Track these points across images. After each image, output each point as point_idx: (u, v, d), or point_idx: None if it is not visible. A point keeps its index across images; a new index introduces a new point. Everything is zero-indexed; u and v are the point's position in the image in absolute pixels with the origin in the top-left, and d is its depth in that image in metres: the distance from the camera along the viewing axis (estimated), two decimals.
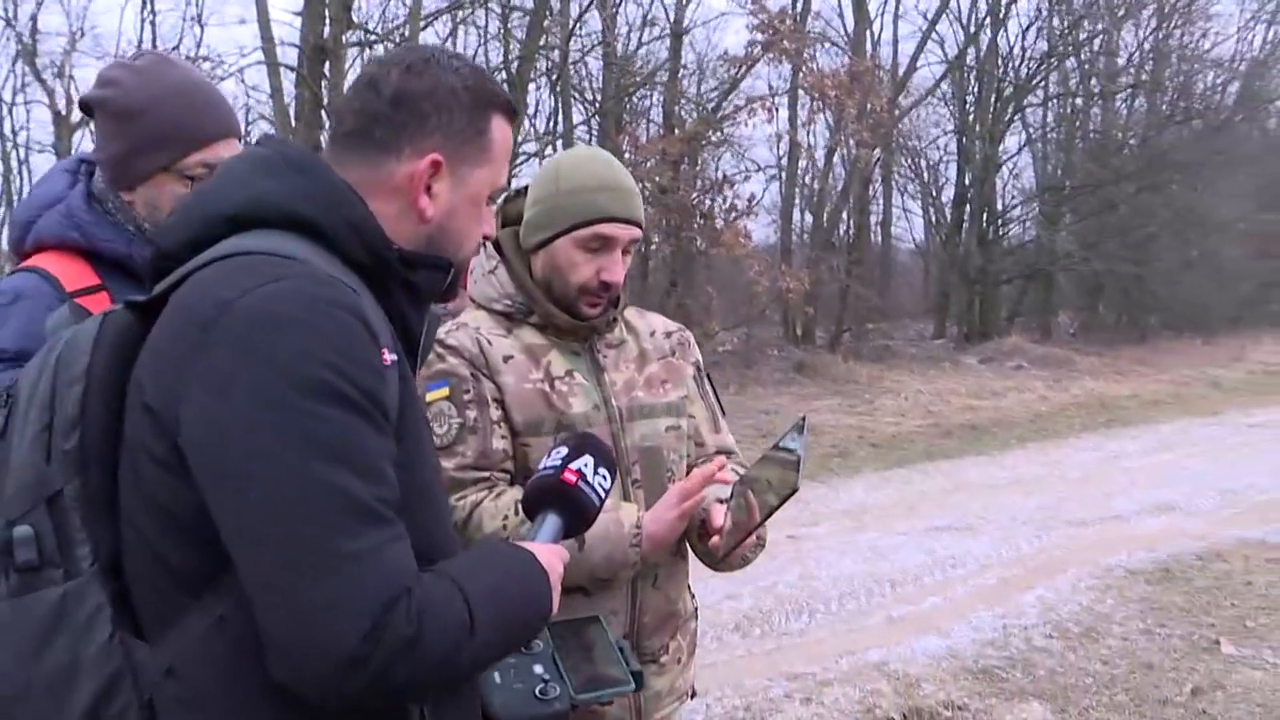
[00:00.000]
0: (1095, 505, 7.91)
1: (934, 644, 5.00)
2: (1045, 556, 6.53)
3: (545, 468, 1.41)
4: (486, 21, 18.19)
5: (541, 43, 15.70)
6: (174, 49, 17.55)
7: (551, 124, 18.27)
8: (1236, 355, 20.57)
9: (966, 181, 23.59)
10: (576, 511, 1.38)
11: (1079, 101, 25.12)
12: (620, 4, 17.26)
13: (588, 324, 1.92)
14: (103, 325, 1.15)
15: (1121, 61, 25.12)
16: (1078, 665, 4.70)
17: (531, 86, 16.25)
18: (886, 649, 4.95)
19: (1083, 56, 24.38)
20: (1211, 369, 18.40)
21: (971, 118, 23.53)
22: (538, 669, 1.39)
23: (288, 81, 13.62)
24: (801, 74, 15.27)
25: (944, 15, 22.54)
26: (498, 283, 1.94)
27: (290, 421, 1.01)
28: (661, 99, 17.14)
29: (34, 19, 19.11)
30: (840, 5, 23.34)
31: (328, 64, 12.76)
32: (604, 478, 1.41)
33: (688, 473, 1.99)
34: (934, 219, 25.71)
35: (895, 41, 25.24)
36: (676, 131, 15.14)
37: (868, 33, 22.63)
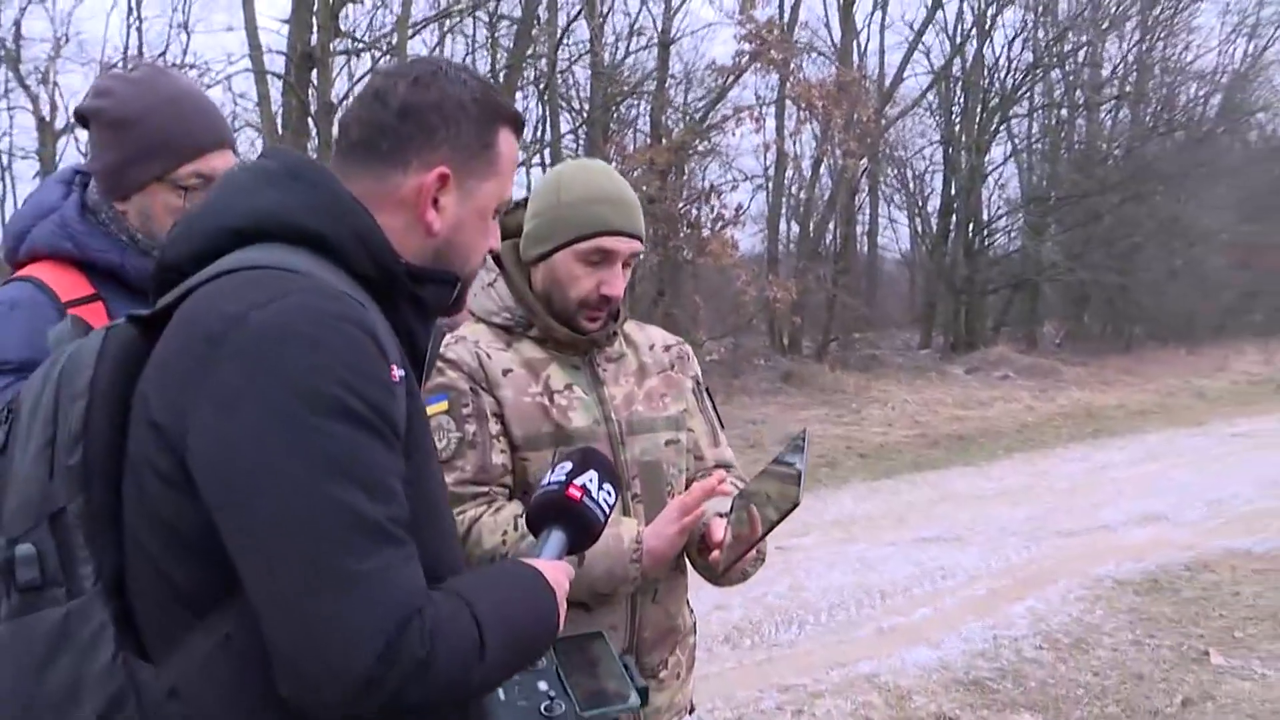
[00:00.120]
0: (1083, 516, 7.93)
1: (925, 655, 5.00)
2: (1034, 567, 6.55)
3: (550, 483, 1.40)
4: (474, 30, 18.23)
5: (529, 52, 15.73)
6: (160, 55, 17.48)
7: (539, 133, 18.27)
8: (1220, 365, 20.70)
9: (952, 192, 23.68)
10: (581, 527, 1.37)
11: (1064, 112, 25.26)
12: (608, 14, 17.28)
13: (587, 337, 1.91)
14: (106, 339, 1.13)
15: (1106, 73, 25.30)
16: (1068, 676, 4.71)
17: (519, 95, 16.25)
18: (877, 660, 4.95)
19: (1067, 68, 24.53)
20: (1196, 379, 18.53)
21: (957, 128, 23.63)
22: (542, 685, 1.38)
23: (275, 89, 13.58)
24: (789, 84, 15.32)
25: (930, 26, 22.72)
26: (497, 296, 1.92)
27: (300, 438, 0.99)
28: (649, 108, 17.16)
29: (17, 24, 19.00)
30: (827, 16, 23.31)
31: (315, 72, 12.74)
32: (609, 493, 1.40)
33: (687, 487, 1.98)
34: (920, 229, 25.78)
35: (882, 52, 25.26)
36: (664, 141, 15.15)
37: (854, 43, 22.73)
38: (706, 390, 2.12)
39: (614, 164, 14.03)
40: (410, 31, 14.36)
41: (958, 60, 23.21)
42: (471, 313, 1.94)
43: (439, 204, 1.22)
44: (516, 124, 1.29)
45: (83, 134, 2.16)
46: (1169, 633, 5.25)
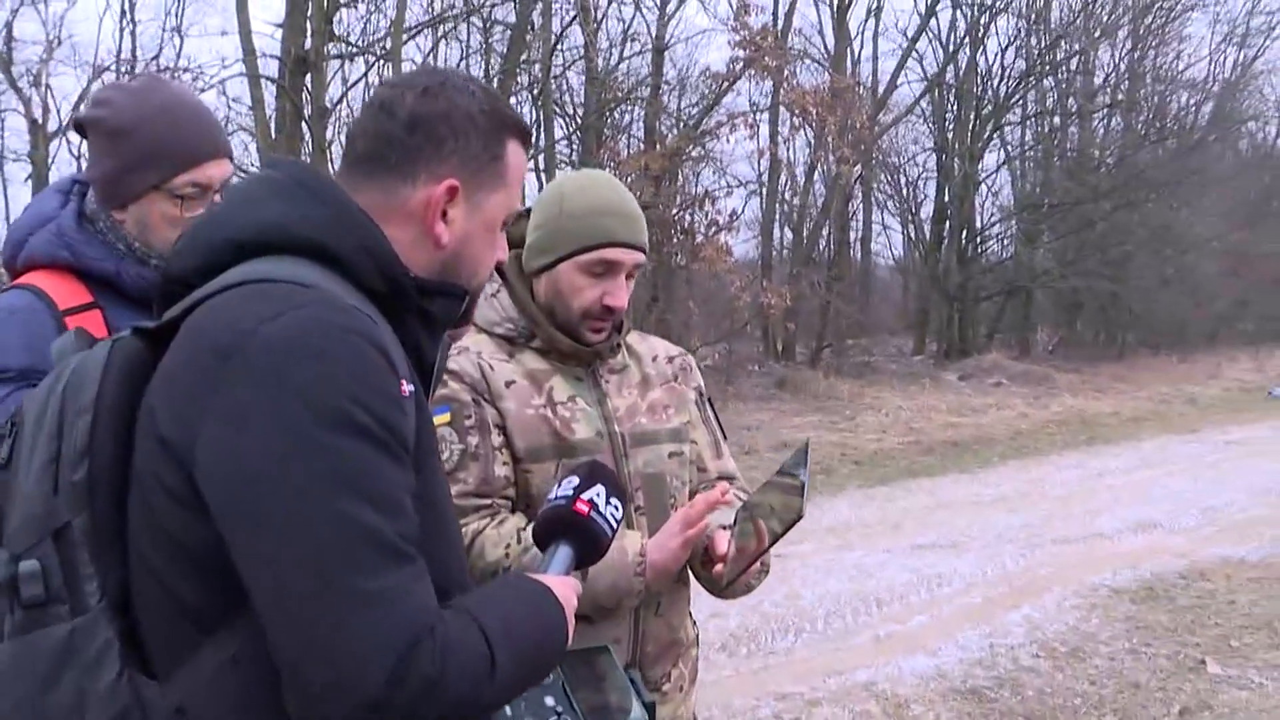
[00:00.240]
0: (1079, 523, 7.94)
1: (922, 664, 5.00)
2: (1030, 575, 6.55)
3: (557, 497, 1.38)
4: (468, 36, 18.23)
5: (523, 57, 15.72)
6: (154, 59, 17.48)
7: (533, 138, 18.24)
8: (1212, 372, 20.78)
9: (946, 198, 23.75)
10: (589, 542, 1.36)
11: (1056, 120, 25.38)
12: (602, 20, 17.29)
13: (591, 349, 1.90)
14: (111, 352, 1.12)
15: (1098, 81, 25.43)
16: (1065, 685, 4.70)
17: (513, 101, 16.24)
18: (874, 669, 4.94)
19: (1060, 76, 24.64)
20: (1188, 386, 18.59)
21: (951, 135, 23.70)
22: (549, 701, 1.37)
23: (269, 93, 13.56)
24: (783, 91, 15.34)
25: (923, 34, 22.76)
26: (500, 306, 1.91)
27: (311, 456, 0.98)
28: (643, 114, 17.16)
29: (8, 26, 19.01)
30: (821, 23, 23.48)
31: (309, 76, 12.71)
32: (616, 507, 1.39)
33: (690, 499, 1.97)
34: (913, 235, 25.85)
35: (875, 59, 25.37)
36: (658, 147, 15.15)
37: (848, 50, 22.80)
38: (709, 401, 2.11)
39: (608, 169, 14.05)
40: (404, 37, 14.35)
41: (951, 68, 23.33)
42: (474, 323, 1.93)
43: (447, 216, 1.21)
44: (524, 135, 1.28)
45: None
46: (1165, 641, 5.25)
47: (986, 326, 24.45)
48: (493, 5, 16.00)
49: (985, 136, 23.63)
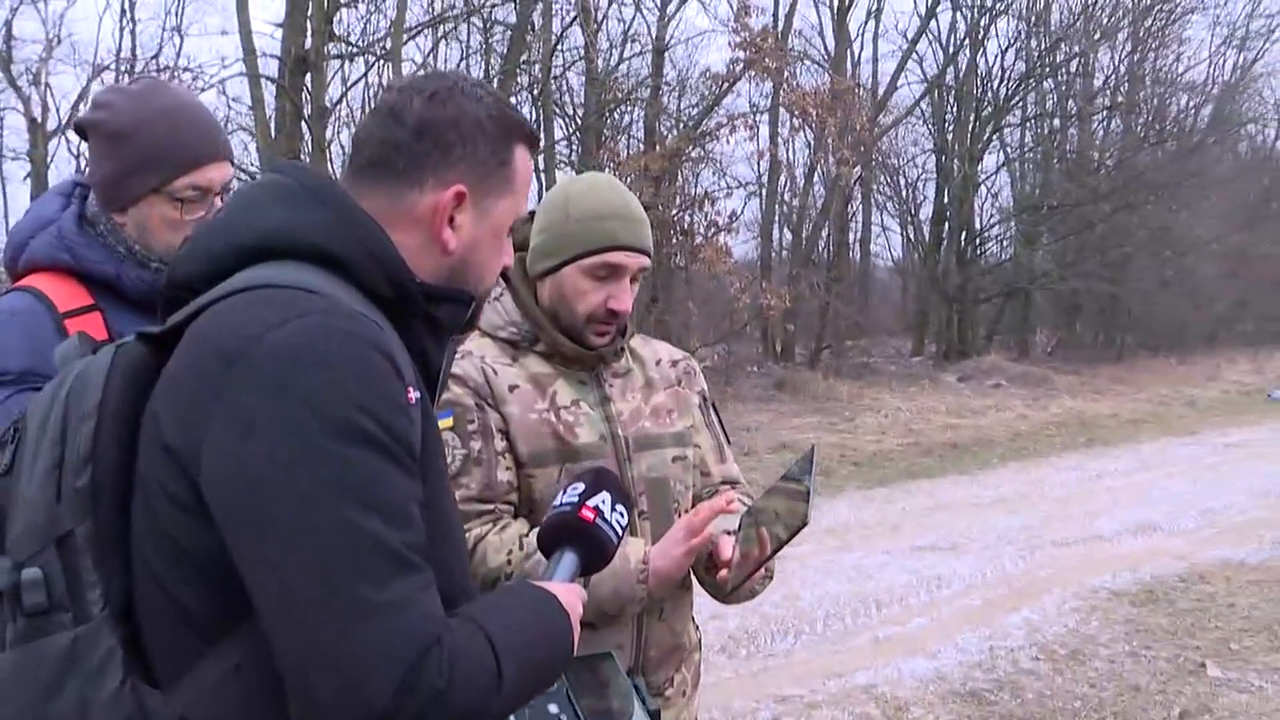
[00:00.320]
0: (1078, 525, 7.94)
1: (921, 666, 4.99)
2: (1030, 577, 6.54)
3: (562, 504, 1.38)
4: (468, 36, 18.22)
5: (523, 58, 15.71)
6: (153, 58, 17.47)
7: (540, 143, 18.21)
8: (1211, 375, 20.79)
9: (945, 200, 23.73)
10: (594, 549, 1.35)
11: (1056, 122, 25.37)
12: (603, 20, 17.28)
13: (595, 353, 1.89)
14: (115, 358, 1.11)
15: (1098, 83, 25.43)
16: (1065, 688, 4.70)
17: (513, 102, 16.20)
18: (874, 671, 4.94)
19: (1060, 78, 24.64)
20: (1187, 388, 18.60)
21: (950, 137, 23.70)
22: (552, 708, 1.36)
23: (269, 93, 13.55)
24: (783, 92, 15.33)
25: (923, 36, 22.76)
26: (503, 310, 1.90)
27: (318, 463, 0.97)
28: (643, 115, 17.15)
29: (8, 25, 19.00)
30: (821, 24, 23.43)
31: (309, 76, 12.70)
32: (621, 514, 1.38)
33: (693, 504, 1.96)
34: (913, 237, 25.83)
35: (875, 61, 25.38)
36: (658, 148, 15.14)
37: (848, 52, 22.81)
38: (713, 405, 2.11)
39: (607, 170, 14.05)
40: (404, 37, 14.34)
41: (951, 69, 23.31)
42: (478, 327, 1.92)
43: (455, 222, 1.20)
44: (532, 140, 1.28)
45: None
46: (1165, 644, 5.25)
47: (985, 328, 24.45)
48: (493, 5, 15.99)
49: (985, 138, 23.63)
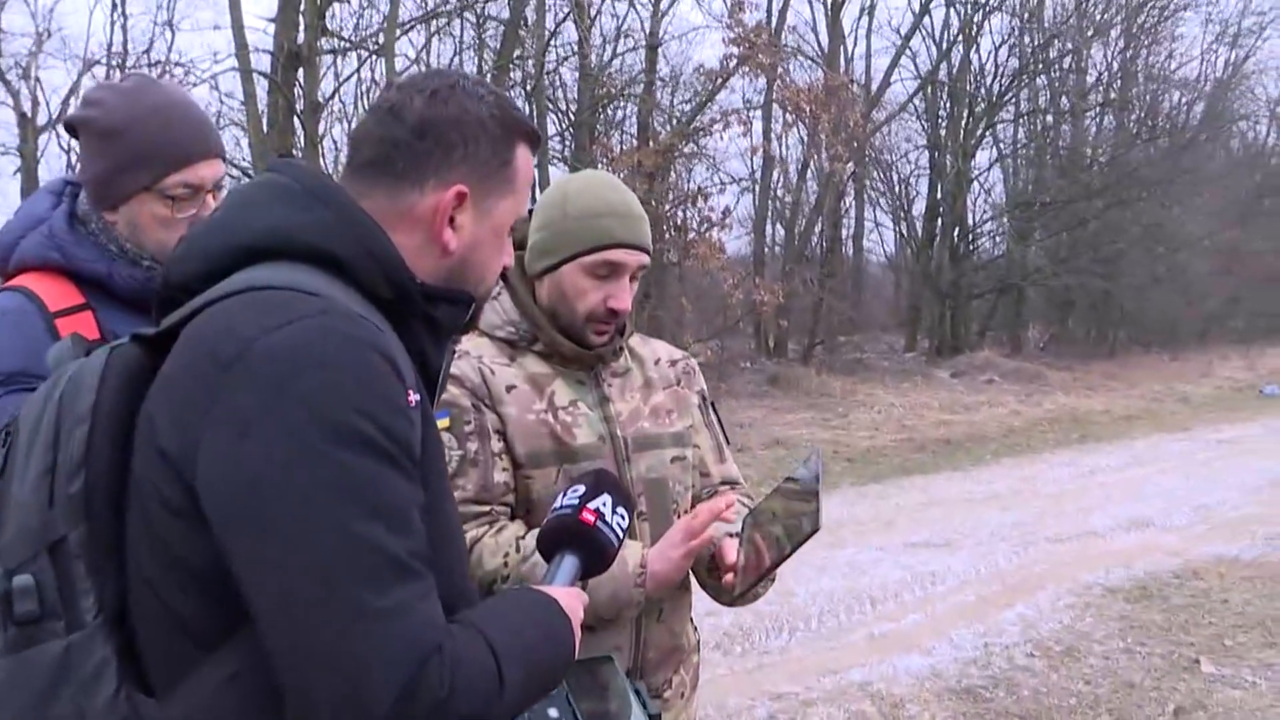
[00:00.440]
0: (1072, 521, 7.95)
1: (916, 663, 4.99)
2: (1024, 573, 6.55)
3: (562, 507, 1.36)
4: (462, 31, 18.15)
5: (516, 53, 15.66)
6: (145, 53, 17.38)
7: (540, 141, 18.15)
8: (1204, 370, 20.84)
9: (938, 196, 23.76)
10: (595, 552, 1.33)
11: (1049, 118, 25.39)
12: (596, 16, 17.23)
13: (593, 352, 1.87)
14: (109, 360, 1.09)
15: (1091, 80, 25.48)
16: (1060, 685, 4.70)
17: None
18: (869, 668, 4.94)
19: (1053, 74, 24.66)
20: (1180, 384, 18.63)
21: (944, 133, 23.71)
22: (553, 712, 1.34)
23: (261, 88, 13.47)
24: (776, 88, 15.31)
25: (917, 32, 22.78)
26: (501, 309, 1.88)
27: (317, 468, 0.95)
28: (636, 111, 17.12)
29: None
30: (815, 20, 23.36)
31: (301, 71, 12.65)
32: (622, 516, 1.37)
33: (693, 504, 1.95)
34: (905, 233, 25.85)
35: (868, 57, 25.35)
36: (651, 144, 15.11)
37: (841, 48, 22.78)
38: (712, 405, 2.09)
39: (600, 166, 14.02)
40: (397, 31, 14.28)
41: (944, 65, 23.33)
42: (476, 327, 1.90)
43: (455, 222, 1.18)
44: (533, 139, 1.26)
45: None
46: (1159, 641, 5.25)
47: (979, 324, 24.48)
48: (486, 0, 15.95)
49: (978, 134, 23.65)
